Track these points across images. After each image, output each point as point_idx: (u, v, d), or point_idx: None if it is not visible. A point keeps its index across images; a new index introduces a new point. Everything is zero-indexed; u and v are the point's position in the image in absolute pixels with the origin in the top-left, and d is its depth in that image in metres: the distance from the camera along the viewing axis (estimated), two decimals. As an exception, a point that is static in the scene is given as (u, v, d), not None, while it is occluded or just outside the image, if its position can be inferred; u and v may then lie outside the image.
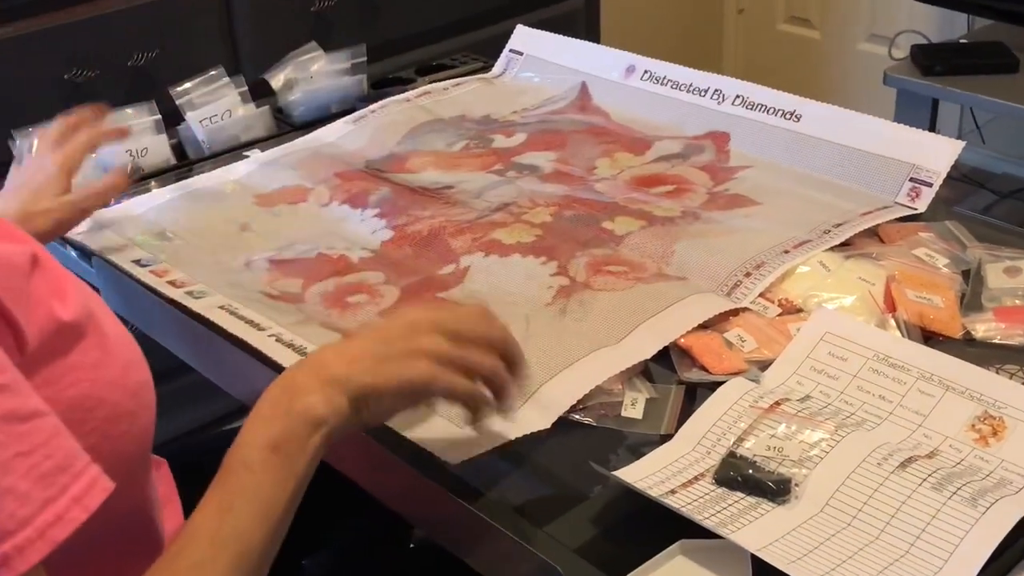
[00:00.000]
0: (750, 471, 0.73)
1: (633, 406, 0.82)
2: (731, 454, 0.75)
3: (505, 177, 1.18)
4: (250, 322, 0.92)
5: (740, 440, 0.76)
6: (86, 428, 0.62)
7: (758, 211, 1.07)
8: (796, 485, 0.72)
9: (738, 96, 1.21)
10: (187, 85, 1.32)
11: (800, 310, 0.91)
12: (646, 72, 1.30)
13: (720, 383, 0.82)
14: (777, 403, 0.79)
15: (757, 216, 1.06)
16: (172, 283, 0.99)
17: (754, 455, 0.75)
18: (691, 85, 1.26)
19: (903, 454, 0.74)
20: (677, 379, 0.84)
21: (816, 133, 1.14)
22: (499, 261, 1.00)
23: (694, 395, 0.83)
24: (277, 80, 1.39)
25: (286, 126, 1.39)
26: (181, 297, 0.97)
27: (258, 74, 1.40)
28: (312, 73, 1.38)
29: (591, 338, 0.87)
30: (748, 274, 0.95)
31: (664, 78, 1.28)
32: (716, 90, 1.23)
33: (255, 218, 1.12)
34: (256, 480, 0.63)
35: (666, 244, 1.01)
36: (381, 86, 1.48)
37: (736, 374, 0.83)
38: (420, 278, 0.98)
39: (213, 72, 1.33)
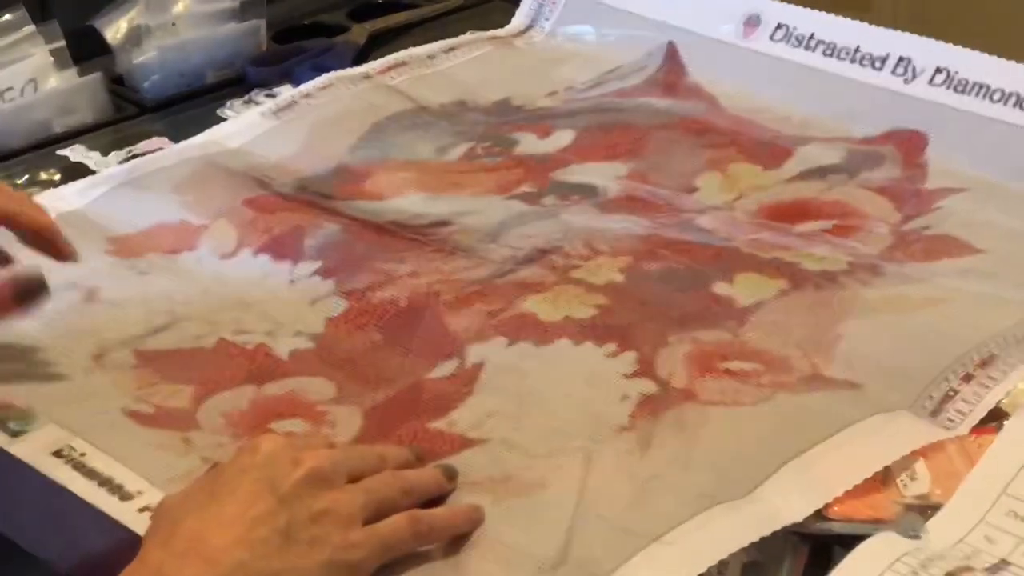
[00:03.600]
0: None
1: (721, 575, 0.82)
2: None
3: (540, 205, 1.18)
4: (106, 481, 0.91)
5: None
6: None
7: (979, 264, 1.07)
8: None
9: (940, 70, 1.22)
10: (-38, 39, 1.34)
11: (1006, 417, 0.92)
12: (780, 27, 1.32)
13: (859, 537, 0.83)
14: (951, 575, 0.79)
15: (978, 273, 1.06)
16: None
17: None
18: (857, 50, 1.27)
19: None
20: (793, 528, 0.85)
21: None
22: (535, 353, 1.00)
23: (828, 557, 0.84)
24: (115, 30, 1.41)
25: (130, 106, 1.41)
26: None
27: (83, 20, 1.42)
28: (174, 18, 1.41)
29: (698, 488, 0.87)
30: (969, 377, 0.95)
31: (811, 37, 1.30)
32: (902, 59, 1.24)
33: (108, 278, 1.12)
34: None
35: (825, 322, 1.01)
36: (289, 39, 1.52)
37: (878, 522, 0.85)
38: (397, 390, 0.98)
39: (8, 17, 1.35)
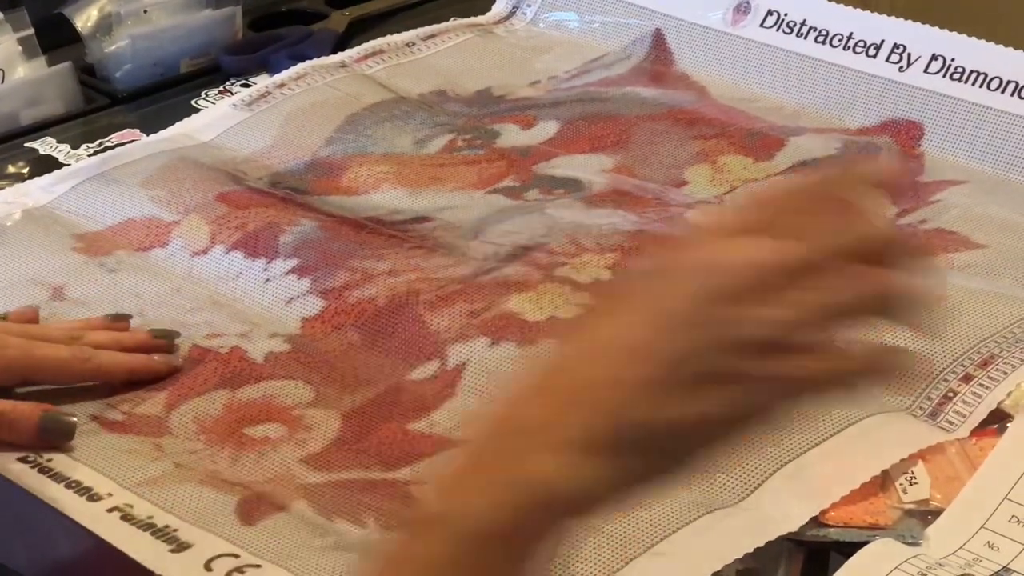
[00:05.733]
0: None
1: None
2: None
3: (524, 200, 1.18)
4: (74, 484, 0.91)
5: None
6: None
7: (978, 259, 1.07)
8: None
9: (936, 57, 1.22)
10: (-78, 26, 1.34)
11: (1008, 418, 0.92)
12: (771, 14, 1.32)
13: (857, 544, 0.82)
14: (950, 584, 0.79)
15: (978, 269, 1.06)
16: None
17: None
18: (850, 37, 1.27)
19: None
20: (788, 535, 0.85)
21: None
22: (519, 354, 1.00)
23: (824, 563, 0.84)
24: (85, 17, 1.41)
25: (101, 97, 1.41)
26: None
27: (52, 8, 1.42)
28: (146, 5, 1.41)
29: (689, 496, 0.87)
30: (968, 377, 0.95)
31: (802, 24, 1.30)
32: (897, 46, 1.24)
33: (75, 276, 1.12)
34: None
35: (819, 322, 1.00)
36: (267, 26, 1.51)
37: (877, 528, 0.85)
38: (376, 393, 0.98)
39: (-31, 3, 1.36)
